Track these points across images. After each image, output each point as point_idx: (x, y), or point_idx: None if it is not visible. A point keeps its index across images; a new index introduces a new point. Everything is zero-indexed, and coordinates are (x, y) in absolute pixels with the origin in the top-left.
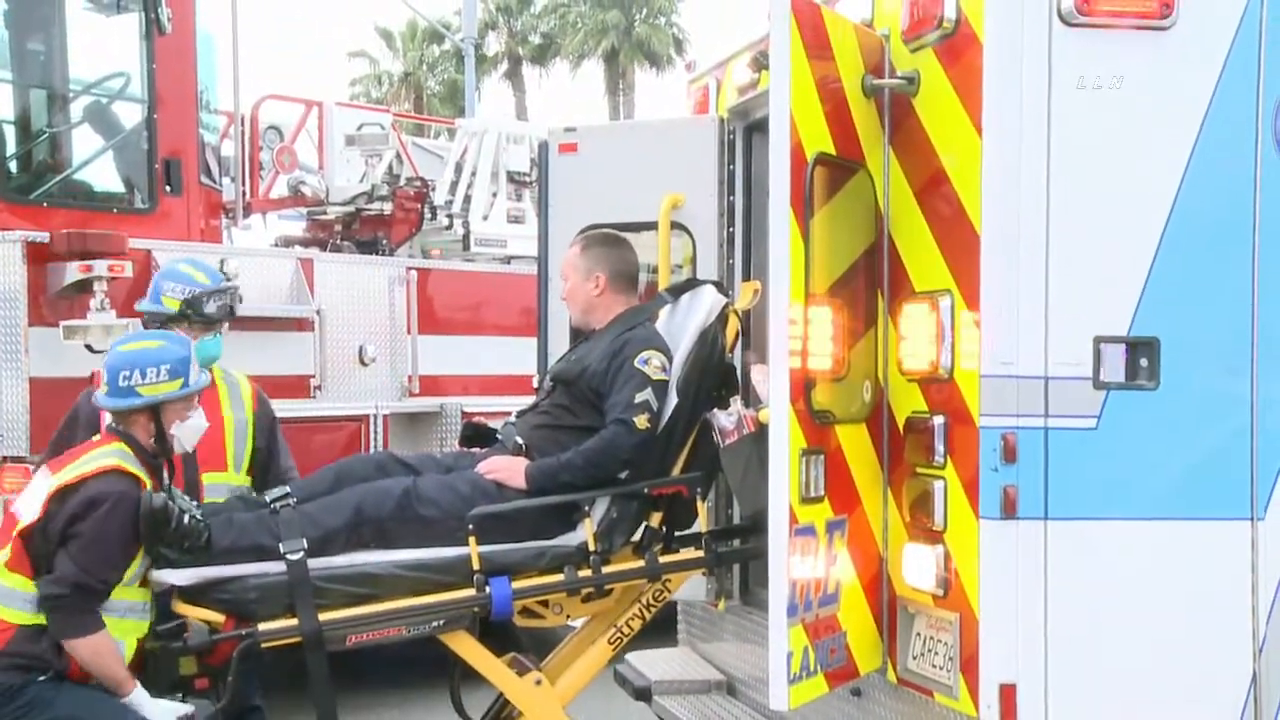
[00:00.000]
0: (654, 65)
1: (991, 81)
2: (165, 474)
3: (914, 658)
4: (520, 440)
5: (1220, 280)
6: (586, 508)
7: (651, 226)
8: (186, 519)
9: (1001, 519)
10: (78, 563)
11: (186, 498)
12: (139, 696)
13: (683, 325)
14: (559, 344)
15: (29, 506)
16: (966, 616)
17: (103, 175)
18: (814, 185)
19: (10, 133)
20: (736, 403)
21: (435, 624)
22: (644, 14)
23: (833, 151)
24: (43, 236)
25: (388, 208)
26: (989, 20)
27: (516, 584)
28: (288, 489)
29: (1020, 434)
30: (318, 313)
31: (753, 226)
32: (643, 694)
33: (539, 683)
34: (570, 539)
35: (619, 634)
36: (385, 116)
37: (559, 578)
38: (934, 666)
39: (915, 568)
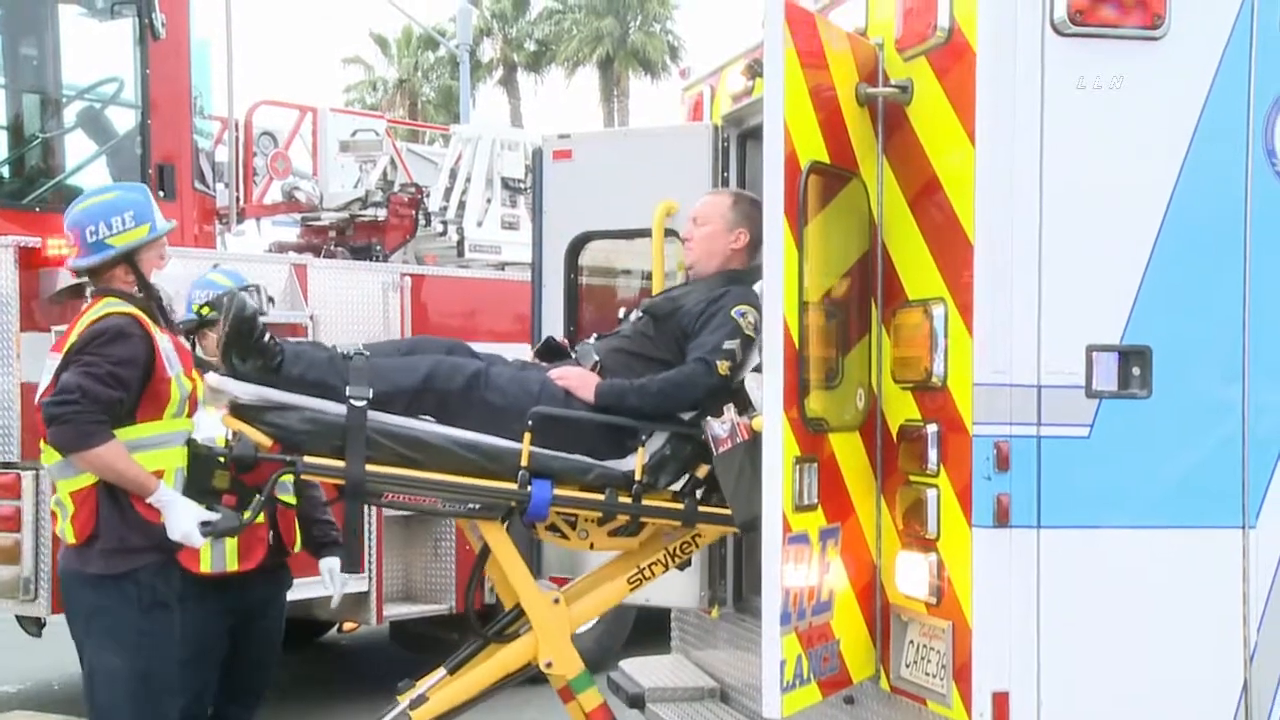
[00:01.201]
0: (649, 72)
1: (985, 90)
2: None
3: (907, 666)
4: (597, 358)
5: (1212, 289)
6: (644, 437)
7: (646, 233)
8: (266, 337)
9: (994, 527)
10: (83, 374)
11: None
12: (164, 494)
13: None
14: None
15: (45, 384)
16: (959, 625)
17: (96, 180)
18: (807, 193)
19: (3, 138)
20: (730, 410)
21: (471, 506)
22: (639, 21)
23: (826, 160)
24: (35, 241)
25: (382, 214)
26: (982, 29)
27: (557, 491)
28: (362, 345)
29: (1013, 442)
30: (311, 318)
31: None
32: (636, 701)
33: (556, 601)
34: (619, 464)
35: (639, 576)
36: (380, 123)
37: (599, 497)
38: (927, 675)
39: (908, 576)
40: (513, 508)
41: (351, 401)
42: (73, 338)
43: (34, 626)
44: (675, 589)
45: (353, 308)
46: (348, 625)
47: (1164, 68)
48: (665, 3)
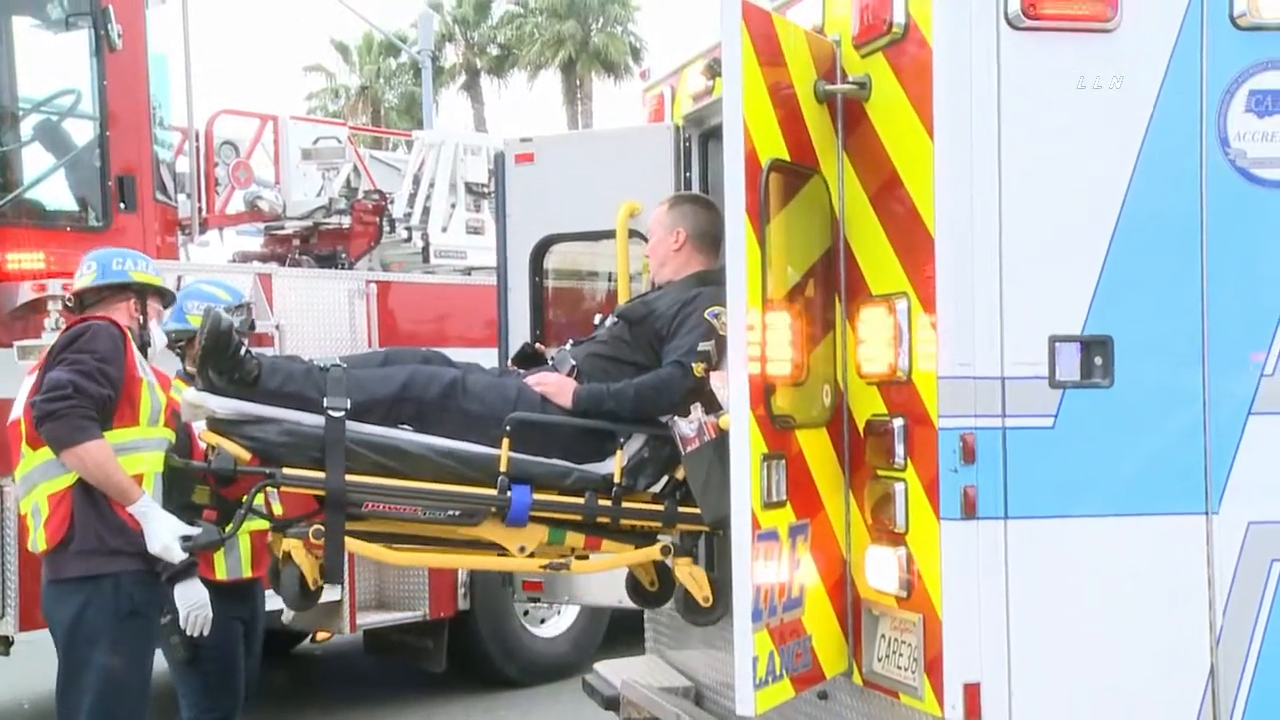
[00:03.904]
0: (611, 74)
1: (941, 85)
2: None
3: (879, 660)
4: (574, 363)
5: (1171, 278)
6: (622, 440)
7: (610, 235)
8: (243, 350)
9: (962, 519)
10: (72, 370)
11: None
12: (146, 505)
13: None
14: None
15: (26, 394)
16: (930, 617)
17: (56, 194)
18: (769, 191)
19: None
20: (698, 409)
21: (451, 513)
22: (600, 23)
23: (787, 157)
24: None
25: (346, 221)
26: (937, 25)
27: (537, 496)
28: (339, 358)
29: (979, 434)
30: (277, 328)
31: None
32: (612, 704)
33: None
34: (598, 468)
35: None
36: (342, 130)
37: (579, 501)
38: (899, 668)
39: (878, 570)
40: (493, 512)
41: (329, 413)
42: (53, 343)
43: (2, 645)
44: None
45: (319, 316)
46: (321, 635)
47: (1118, 60)
48: (626, 4)
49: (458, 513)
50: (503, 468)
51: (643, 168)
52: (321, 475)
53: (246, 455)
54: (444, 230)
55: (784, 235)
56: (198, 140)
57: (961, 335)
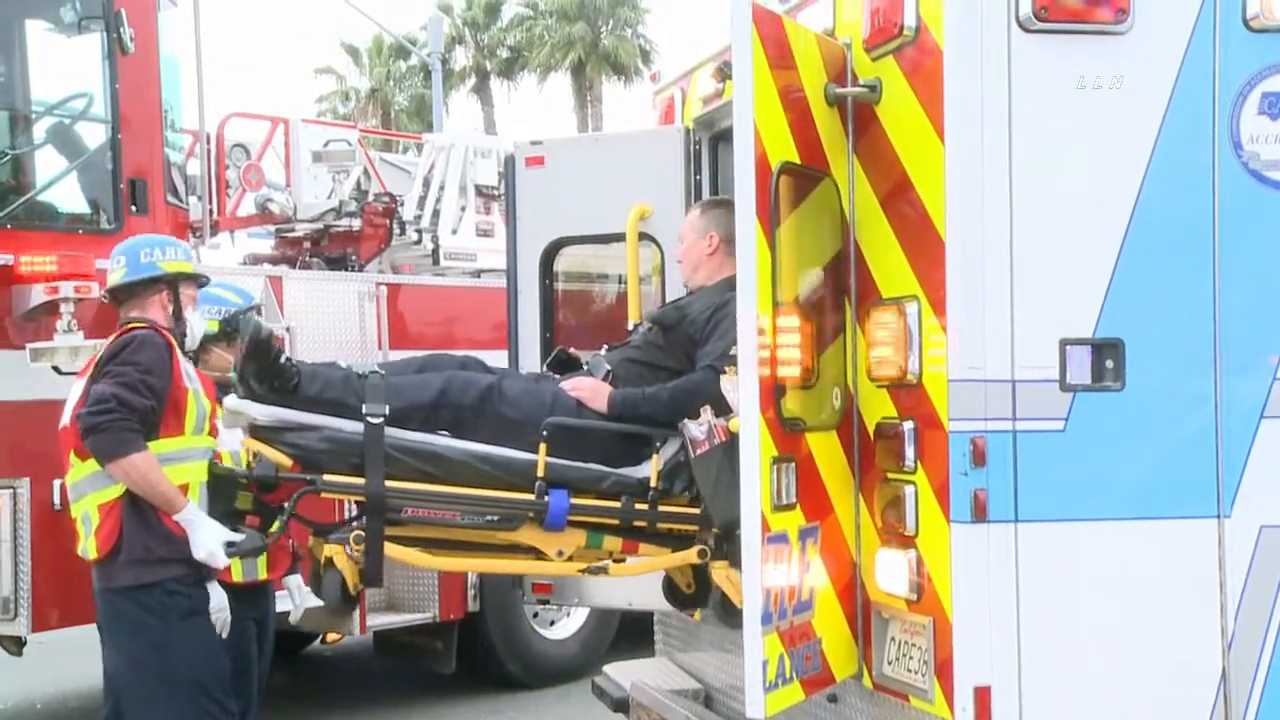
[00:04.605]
0: (621, 77)
1: (952, 88)
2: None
3: (889, 663)
4: (609, 368)
5: (1182, 281)
6: (658, 444)
7: (619, 238)
8: (283, 358)
9: (972, 522)
10: (116, 383)
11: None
12: (191, 513)
13: None
14: (530, 357)
15: (73, 404)
16: (940, 620)
17: (68, 196)
18: (779, 194)
19: None
20: (707, 412)
21: (489, 518)
22: (610, 26)
23: (797, 160)
24: (7, 259)
25: (356, 224)
26: (948, 27)
27: (574, 500)
28: (378, 364)
29: (989, 437)
30: (288, 330)
31: None
32: (621, 706)
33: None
34: (634, 472)
35: None
36: (352, 133)
37: (616, 505)
38: (909, 671)
39: (888, 573)
40: (531, 517)
41: (368, 419)
42: (99, 353)
43: (14, 646)
44: (658, 592)
45: (329, 318)
46: (331, 636)
47: (1130, 62)
48: (636, 6)
49: (496, 517)
50: (540, 472)
51: (653, 171)
52: (361, 481)
53: (288, 462)
54: (454, 233)
55: (794, 238)
56: (209, 143)
57: (972, 338)
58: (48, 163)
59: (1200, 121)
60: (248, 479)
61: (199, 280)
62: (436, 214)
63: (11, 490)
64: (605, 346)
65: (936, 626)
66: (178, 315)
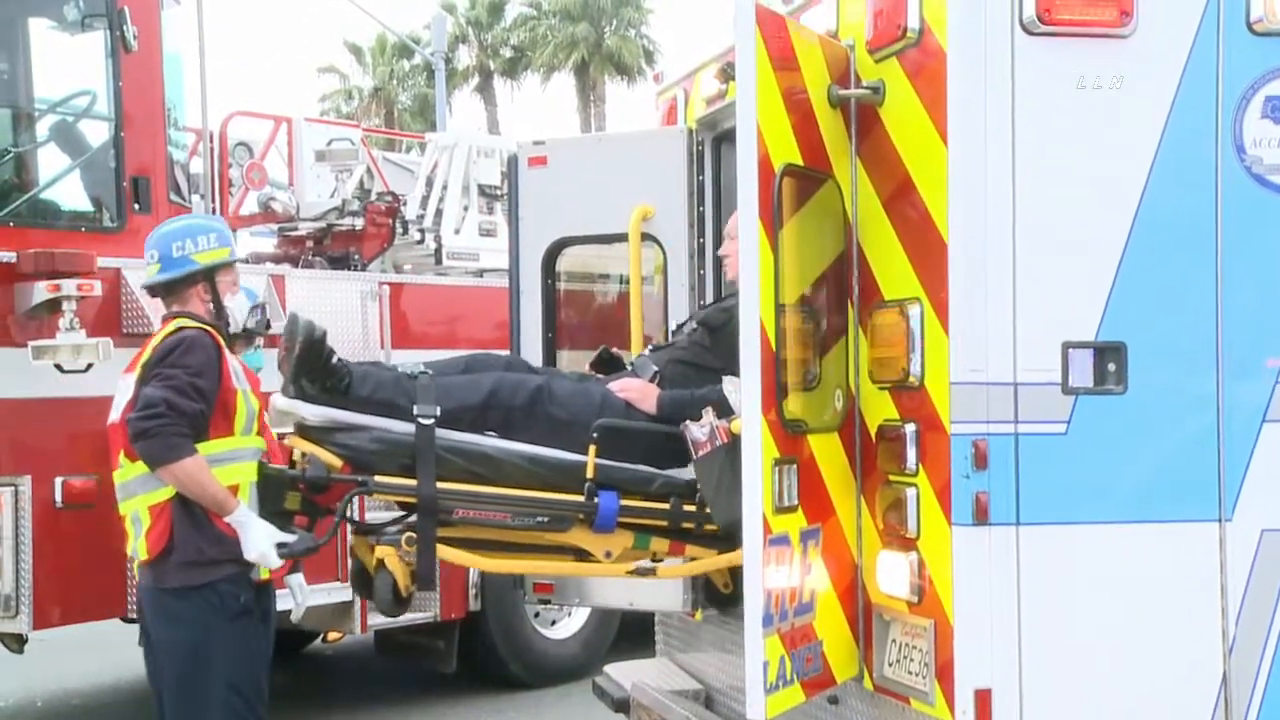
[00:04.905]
0: (624, 76)
1: (956, 90)
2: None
3: (890, 665)
4: (656, 368)
5: (1185, 284)
6: None
7: (622, 238)
8: (335, 359)
9: (974, 525)
10: (165, 387)
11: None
12: (242, 514)
13: None
14: (531, 357)
15: (123, 402)
16: (941, 623)
17: (70, 194)
18: (782, 196)
19: None
20: (709, 414)
21: (540, 519)
22: (614, 26)
23: (800, 162)
24: (10, 256)
25: (359, 223)
26: (952, 30)
27: (624, 502)
28: (424, 364)
29: (991, 440)
30: None
31: (723, 237)
32: (622, 706)
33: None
34: (682, 473)
35: None
36: (355, 132)
37: (664, 506)
38: (910, 673)
39: (889, 575)
40: (581, 519)
41: (419, 420)
42: (147, 354)
43: (15, 643)
44: (659, 593)
45: (331, 317)
46: (332, 635)
47: (1133, 65)
48: (640, 7)
49: (546, 519)
50: (589, 474)
51: (655, 171)
52: (413, 482)
53: (338, 463)
54: (456, 232)
55: (797, 240)
56: (212, 141)
57: (974, 341)
58: (51, 161)
59: (1203, 125)
60: (299, 479)
61: (234, 268)
62: (439, 213)
63: (13, 488)
64: (650, 347)
65: (938, 629)
66: (217, 306)
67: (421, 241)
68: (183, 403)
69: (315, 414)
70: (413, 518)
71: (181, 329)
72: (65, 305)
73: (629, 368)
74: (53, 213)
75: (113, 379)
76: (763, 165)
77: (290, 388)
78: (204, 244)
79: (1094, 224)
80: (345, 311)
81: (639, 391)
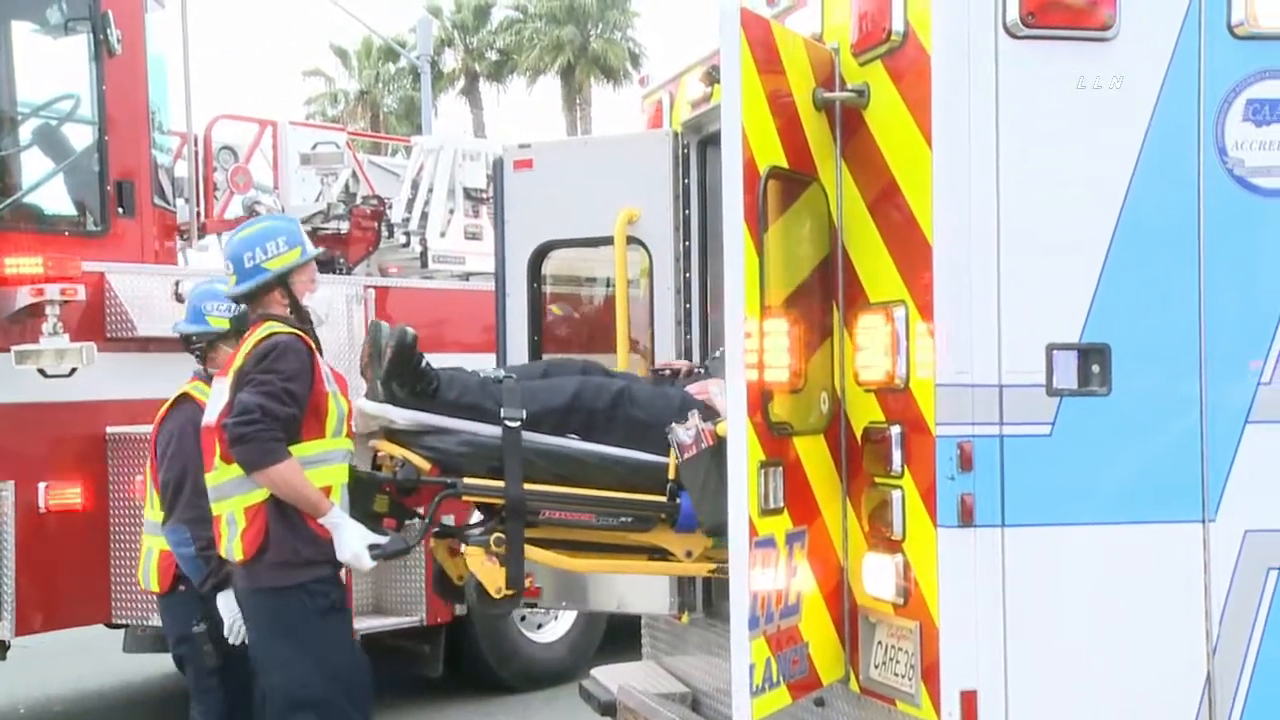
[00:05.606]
0: (610, 80)
1: (940, 93)
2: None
3: (876, 667)
4: None
5: (1169, 286)
6: None
7: (608, 241)
8: (424, 363)
9: (959, 527)
10: (260, 393)
11: None
12: (336, 516)
13: None
14: (518, 360)
15: (219, 406)
16: (926, 624)
17: (54, 198)
18: (767, 199)
19: None
20: (695, 416)
21: (624, 519)
22: (599, 29)
23: (785, 165)
24: None
25: (344, 226)
26: (936, 33)
27: None
28: (505, 369)
29: (976, 442)
30: None
31: (708, 239)
32: (608, 709)
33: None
34: None
35: None
36: (340, 135)
37: None
38: (896, 675)
39: (875, 577)
40: (662, 519)
41: (507, 423)
42: (239, 360)
43: None
44: (646, 595)
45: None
46: None
47: (1116, 68)
48: (625, 10)
49: (630, 519)
50: (671, 475)
51: (641, 174)
52: (500, 484)
53: (427, 465)
54: (442, 236)
55: (782, 242)
56: (196, 145)
57: (959, 343)
58: (34, 164)
59: (1186, 128)
60: (389, 482)
61: (309, 266)
62: (425, 217)
63: None
64: (719, 350)
65: (923, 631)
66: (295, 307)
67: (407, 245)
68: (277, 408)
69: (405, 417)
70: (488, 520)
71: (274, 334)
72: (49, 310)
73: (704, 369)
74: (36, 217)
75: (96, 383)
76: (748, 168)
77: (380, 391)
78: (273, 250)
79: (1078, 226)
80: (331, 315)
81: (717, 392)
